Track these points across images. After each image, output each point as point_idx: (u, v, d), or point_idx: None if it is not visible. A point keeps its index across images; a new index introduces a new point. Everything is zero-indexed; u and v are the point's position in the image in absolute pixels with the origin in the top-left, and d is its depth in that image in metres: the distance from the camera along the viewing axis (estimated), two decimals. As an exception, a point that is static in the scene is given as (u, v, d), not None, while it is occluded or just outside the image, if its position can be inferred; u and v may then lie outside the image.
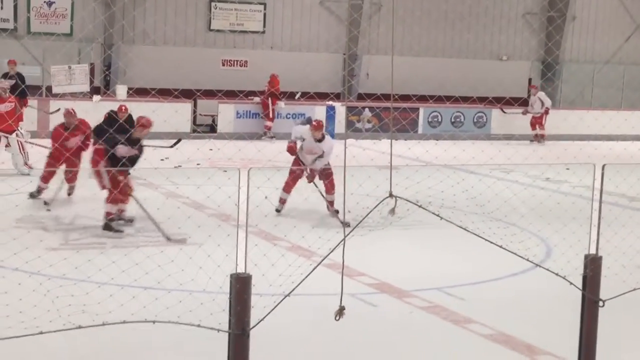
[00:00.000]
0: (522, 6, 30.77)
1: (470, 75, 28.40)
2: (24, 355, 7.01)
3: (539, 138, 26.68)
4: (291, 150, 13.27)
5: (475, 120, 27.44)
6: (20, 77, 20.61)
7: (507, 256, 7.20)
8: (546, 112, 26.65)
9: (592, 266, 6.57)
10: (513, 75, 30.30)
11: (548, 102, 26.63)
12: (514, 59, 30.99)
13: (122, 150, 11.50)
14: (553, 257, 10.36)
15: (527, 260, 7.25)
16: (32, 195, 13.73)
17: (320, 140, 13.21)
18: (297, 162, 13.36)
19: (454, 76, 27.59)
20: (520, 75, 30.80)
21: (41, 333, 5.60)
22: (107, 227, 11.68)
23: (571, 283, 6.71)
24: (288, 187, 13.27)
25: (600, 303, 6.60)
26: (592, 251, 6.60)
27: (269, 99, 24.67)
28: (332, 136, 24.77)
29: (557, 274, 6.85)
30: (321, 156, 13.19)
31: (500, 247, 7.02)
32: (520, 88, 29.89)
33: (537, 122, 26.74)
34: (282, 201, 13.30)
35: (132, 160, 11.44)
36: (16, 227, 11.11)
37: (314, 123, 13.50)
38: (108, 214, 11.75)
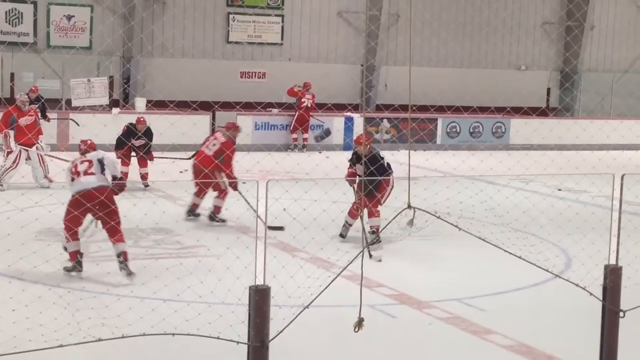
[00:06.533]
0: (540, 16, 30.74)
1: (489, 85, 28.38)
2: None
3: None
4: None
5: (493, 130, 27.39)
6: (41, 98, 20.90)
7: (526, 267, 7.18)
8: None
9: (612, 276, 6.54)
10: (531, 85, 30.26)
11: None
12: (533, 69, 30.94)
13: None
14: (573, 268, 10.31)
15: (547, 270, 7.23)
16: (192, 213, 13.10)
17: None
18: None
19: (472, 87, 27.57)
20: (539, 85, 30.76)
21: (61, 346, 5.63)
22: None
23: (591, 294, 6.68)
24: None
25: (621, 314, 6.57)
26: (612, 261, 6.58)
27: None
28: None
29: (577, 285, 6.82)
30: None
31: (520, 257, 7.00)
32: (538, 98, 29.84)
33: None
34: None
35: None
36: (36, 240, 11.15)
37: None
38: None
